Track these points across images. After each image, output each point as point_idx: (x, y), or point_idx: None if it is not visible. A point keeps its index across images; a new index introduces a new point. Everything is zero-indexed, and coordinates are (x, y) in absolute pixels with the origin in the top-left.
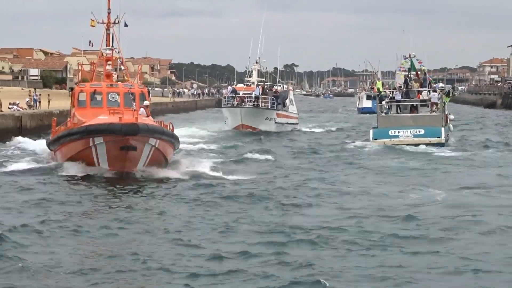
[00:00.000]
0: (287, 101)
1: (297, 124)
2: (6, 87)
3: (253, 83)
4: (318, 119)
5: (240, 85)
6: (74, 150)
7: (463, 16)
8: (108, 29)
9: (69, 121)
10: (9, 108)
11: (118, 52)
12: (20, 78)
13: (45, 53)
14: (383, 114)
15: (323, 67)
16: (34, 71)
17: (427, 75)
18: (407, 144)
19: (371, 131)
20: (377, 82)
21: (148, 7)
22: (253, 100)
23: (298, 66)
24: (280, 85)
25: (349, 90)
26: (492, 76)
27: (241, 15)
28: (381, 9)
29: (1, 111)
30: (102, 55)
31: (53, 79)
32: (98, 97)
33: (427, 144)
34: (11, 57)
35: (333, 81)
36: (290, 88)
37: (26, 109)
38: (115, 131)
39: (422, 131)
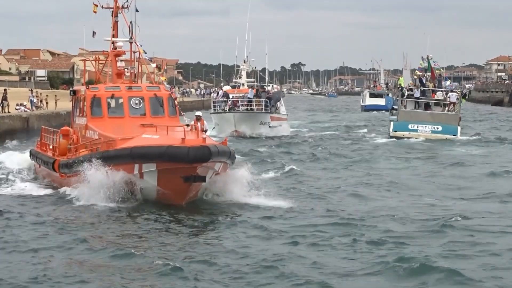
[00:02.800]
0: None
1: (288, 126)
2: (13, 88)
3: (243, 84)
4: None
5: (227, 87)
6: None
7: (470, 13)
8: (115, 15)
9: (72, 134)
10: (16, 109)
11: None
12: (27, 79)
13: (52, 53)
14: (404, 108)
15: (330, 66)
16: (41, 72)
17: (442, 76)
18: (425, 139)
19: (391, 123)
20: (400, 78)
21: (154, 7)
22: (246, 103)
23: (305, 65)
24: (269, 85)
25: (356, 89)
26: (499, 74)
27: (250, 14)
28: (388, 8)
29: (8, 112)
30: (114, 48)
31: (60, 80)
32: (117, 104)
33: (442, 140)
34: (18, 58)
35: (340, 80)
36: (280, 88)
37: (33, 110)
38: (179, 157)
39: (440, 128)
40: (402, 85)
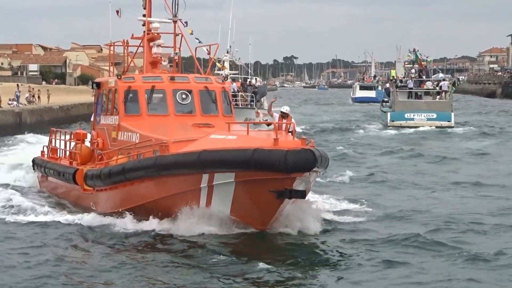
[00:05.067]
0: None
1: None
2: (5, 83)
3: (227, 77)
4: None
5: None
6: (155, 193)
7: (463, 6)
8: None
9: (96, 135)
10: (8, 104)
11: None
12: (19, 74)
13: (44, 48)
14: (398, 99)
15: (322, 59)
16: (33, 67)
17: (428, 66)
18: (421, 126)
19: (388, 114)
20: (392, 71)
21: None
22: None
23: (297, 58)
24: (251, 78)
25: (349, 82)
26: (491, 66)
27: (244, 7)
28: (383, 0)
29: (1, 107)
30: (148, 31)
31: (52, 74)
32: (159, 98)
33: (437, 127)
34: (10, 53)
35: (333, 73)
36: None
37: (25, 104)
38: (272, 164)
39: (435, 115)
40: (395, 77)
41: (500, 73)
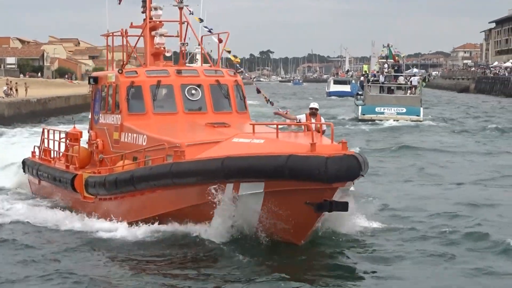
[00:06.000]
0: None
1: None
2: None
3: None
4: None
5: None
6: (170, 205)
7: (438, 2)
8: None
9: (94, 136)
10: None
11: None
12: None
13: (22, 41)
14: (370, 93)
15: (298, 53)
16: (11, 60)
17: (401, 61)
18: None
19: (359, 107)
20: (364, 66)
21: None
22: None
23: (273, 52)
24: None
25: (324, 76)
26: (465, 61)
27: (219, 2)
28: None
29: None
30: (150, 19)
31: (30, 67)
32: (166, 94)
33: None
34: None
35: (309, 67)
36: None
37: (3, 97)
38: (310, 173)
39: (404, 110)
40: (367, 71)
41: (473, 69)
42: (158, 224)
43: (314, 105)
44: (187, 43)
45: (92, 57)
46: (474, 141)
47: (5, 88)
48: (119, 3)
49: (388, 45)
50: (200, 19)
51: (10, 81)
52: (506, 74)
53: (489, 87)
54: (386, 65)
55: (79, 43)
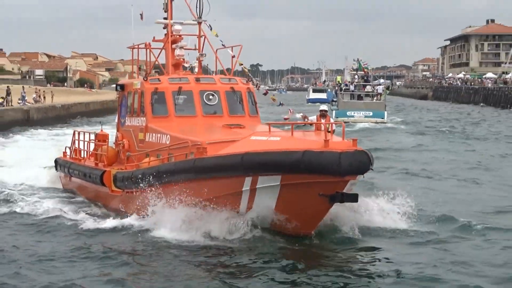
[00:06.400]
0: None
1: None
2: (15, 85)
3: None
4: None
5: None
6: (192, 196)
7: (402, 21)
8: None
9: (121, 137)
10: (18, 103)
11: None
12: (27, 78)
13: (49, 56)
14: (343, 100)
15: (283, 66)
16: (39, 72)
17: (369, 73)
18: (360, 122)
19: (333, 112)
20: (337, 77)
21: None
22: None
23: (262, 65)
24: None
25: (305, 86)
26: (424, 73)
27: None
28: (334, 17)
29: (11, 105)
30: (171, 33)
31: (55, 78)
32: (185, 100)
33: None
34: (20, 60)
35: (292, 78)
36: None
37: (33, 103)
38: (325, 166)
39: (371, 113)
40: (340, 81)
41: (431, 79)
42: (182, 213)
43: (323, 107)
44: (205, 54)
45: (108, 69)
46: (431, 139)
47: (34, 95)
48: (142, 19)
49: (358, 59)
50: (216, 34)
51: (39, 90)
52: (459, 84)
53: (444, 95)
54: (356, 76)
55: (97, 57)
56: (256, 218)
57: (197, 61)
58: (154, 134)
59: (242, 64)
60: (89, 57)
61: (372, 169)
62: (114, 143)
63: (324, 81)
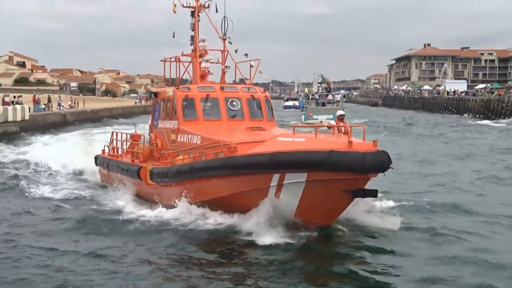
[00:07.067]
0: None
1: None
2: (55, 94)
3: None
4: None
5: None
6: (223, 190)
7: (359, 45)
8: (197, 14)
9: (154, 137)
10: (57, 108)
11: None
12: (64, 89)
13: (81, 71)
14: (310, 106)
15: (265, 80)
16: (73, 84)
17: (331, 85)
18: (322, 125)
19: (303, 116)
20: (305, 89)
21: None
22: None
23: (248, 79)
24: None
25: (282, 95)
26: (376, 85)
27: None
28: (304, 40)
29: (52, 110)
30: (195, 50)
31: (86, 89)
32: (212, 105)
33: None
34: (58, 75)
35: (272, 89)
36: None
37: (68, 109)
38: (350, 165)
39: (331, 116)
40: (307, 92)
41: (381, 90)
42: (210, 207)
43: (340, 112)
44: (229, 66)
45: (128, 82)
46: (383, 137)
47: (69, 102)
48: (173, 37)
49: (321, 75)
50: (236, 49)
51: (74, 98)
52: (402, 94)
53: (391, 103)
54: (320, 88)
55: (119, 72)
56: (280, 211)
57: (222, 73)
58: (185, 135)
59: (261, 72)
60: (113, 72)
61: (392, 168)
62: (148, 142)
63: (297, 91)
